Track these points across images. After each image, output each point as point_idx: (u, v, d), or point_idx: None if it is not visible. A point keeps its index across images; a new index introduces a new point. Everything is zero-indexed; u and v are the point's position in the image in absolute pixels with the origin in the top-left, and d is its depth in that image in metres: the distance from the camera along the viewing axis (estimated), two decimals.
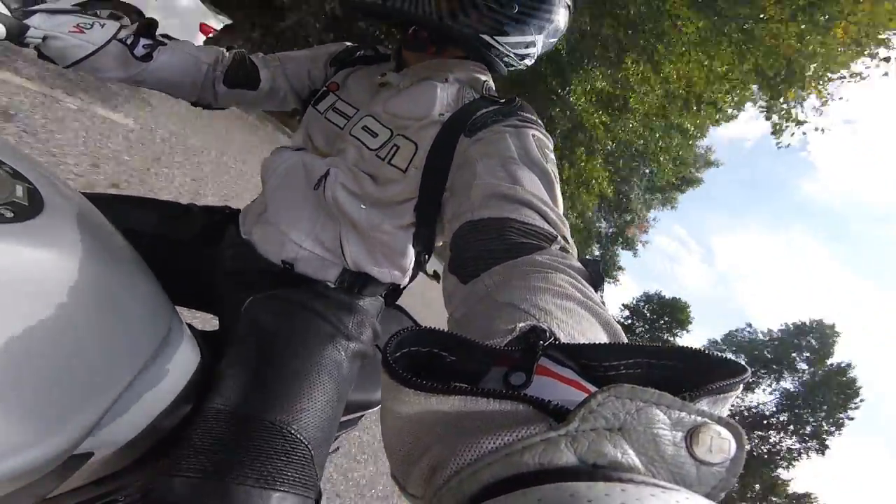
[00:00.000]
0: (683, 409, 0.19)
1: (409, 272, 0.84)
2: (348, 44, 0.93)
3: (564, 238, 0.47)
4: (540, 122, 0.67)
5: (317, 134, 0.81)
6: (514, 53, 0.76)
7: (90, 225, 0.49)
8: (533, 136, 0.62)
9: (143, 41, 0.79)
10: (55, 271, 0.40)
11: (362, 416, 1.00)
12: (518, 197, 0.50)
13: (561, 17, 0.76)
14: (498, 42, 0.73)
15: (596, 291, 0.39)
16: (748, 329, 22.19)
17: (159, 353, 0.49)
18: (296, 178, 0.76)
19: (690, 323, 23.53)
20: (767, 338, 21.63)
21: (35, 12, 0.69)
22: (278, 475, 0.55)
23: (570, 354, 0.25)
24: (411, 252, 0.78)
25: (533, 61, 0.81)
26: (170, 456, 0.56)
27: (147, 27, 0.81)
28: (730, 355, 0.34)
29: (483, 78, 0.78)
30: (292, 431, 0.58)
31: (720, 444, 0.19)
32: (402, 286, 0.89)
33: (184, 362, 0.55)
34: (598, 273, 0.42)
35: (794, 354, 20.25)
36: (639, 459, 0.19)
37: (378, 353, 0.94)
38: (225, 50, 0.91)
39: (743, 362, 0.23)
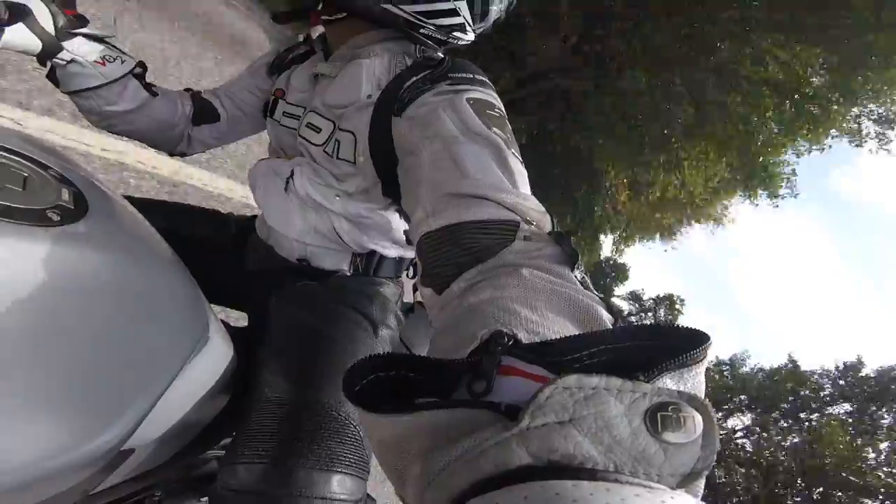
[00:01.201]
0: (636, 390, 0.19)
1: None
2: (276, 50, 0.91)
3: (528, 220, 0.44)
4: (477, 75, 0.61)
5: (280, 143, 0.83)
6: (434, 25, 0.68)
7: (132, 228, 0.51)
8: (468, 99, 0.56)
9: (143, 81, 0.82)
10: (98, 273, 0.42)
11: None
12: (470, 191, 0.47)
13: None
14: (405, 11, 0.66)
15: (573, 268, 0.38)
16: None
17: (198, 351, 0.50)
18: (272, 185, 0.78)
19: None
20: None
21: (76, 35, 0.70)
22: (335, 456, 0.58)
23: (533, 352, 0.25)
24: (402, 224, 0.78)
25: (475, 34, 0.74)
26: (229, 447, 0.59)
27: (144, 69, 0.82)
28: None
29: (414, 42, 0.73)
30: (342, 414, 0.61)
31: (684, 421, 0.18)
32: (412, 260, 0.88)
33: (219, 358, 0.57)
34: (572, 248, 0.40)
35: None
36: (595, 449, 0.18)
37: (404, 348, 0.95)
38: (185, 91, 0.92)
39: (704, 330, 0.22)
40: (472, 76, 0.61)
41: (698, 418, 0.18)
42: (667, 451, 0.18)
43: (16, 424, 0.32)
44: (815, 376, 16.13)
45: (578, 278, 0.37)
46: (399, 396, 0.24)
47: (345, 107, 0.69)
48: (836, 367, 16.05)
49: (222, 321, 0.66)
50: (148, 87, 0.82)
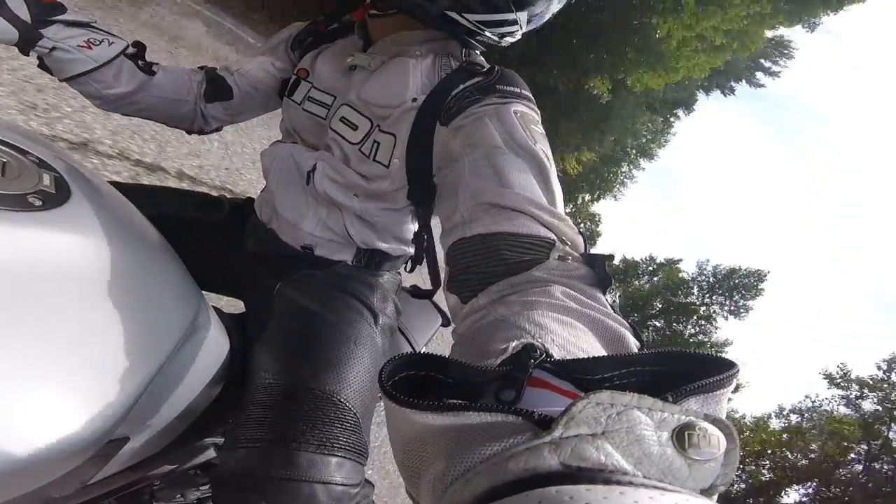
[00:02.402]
0: (665, 410, 0.20)
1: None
2: (299, 24, 0.88)
3: (563, 240, 0.44)
4: (524, 90, 0.61)
5: (301, 126, 0.79)
6: (491, 33, 0.68)
7: (117, 212, 0.49)
8: (515, 112, 0.56)
9: (139, 62, 0.79)
10: (84, 258, 0.40)
11: None
12: (509, 203, 0.47)
13: None
14: (467, 19, 0.64)
15: (605, 292, 0.39)
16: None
17: (188, 338, 0.49)
18: (290, 173, 0.76)
19: None
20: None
21: (54, 22, 0.68)
22: (335, 441, 0.58)
23: (563, 369, 0.26)
24: (414, 225, 0.78)
25: (518, 38, 0.73)
26: (229, 430, 0.59)
27: (142, 48, 0.80)
28: None
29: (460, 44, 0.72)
30: (342, 399, 0.61)
31: (709, 440, 0.19)
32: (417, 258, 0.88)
33: (213, 346, 0.56)
34: (605, 272, 0.41)
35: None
36: (625, 461, 0.19)
37: (401, 336, 0.96)
38: (199, 69, 0.89)
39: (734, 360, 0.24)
40: (519, 90, 0.61)
41: (722, 439, 0.19)
42: (691, 467, 0.19)
43: None
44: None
45: (609, 302, 0.38)
46: (423, 395, 0.24)
47: (387, 107, 0.67)
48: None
49: (216, 308, 0.66)
50: (148, 66, 0.79)
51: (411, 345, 0.97)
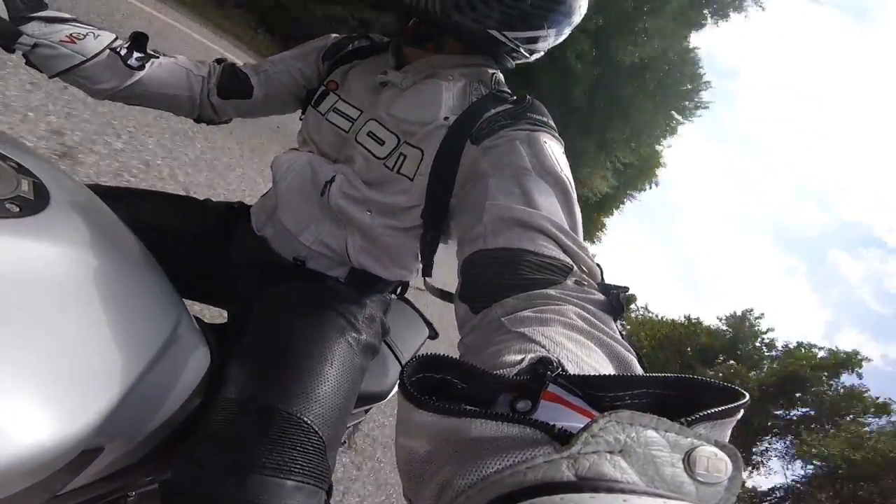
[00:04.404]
0: (680, 433, 0.20)
1: (416, 271, 0.83)
2: (335, 35, 0.88)
3: (581, 268, 0.46)
4: (551, 121, 0.63)
5: (320, 137, 0.79)
6: (524, 49, 0.71)
7: (96, 219, 0.49)
8: (545, 141, 0.59)
9: (136, 53, 0.78)
10: (61, 266, 0.40)
11: (369, 409, 1.00)
12: (534, 223, 0.48)
13: (580, 6, 0.70)
14: (507, 37, 0.68)
15: (616, 320, 0.40)
16: None
17: (168, 348, 0.48)
18: (303, 181, 0.75)
19: None
20: None
21: (33, 19, 0.68)
22: (293, 465, 0.55)
23: (577, 384, 0.26)
24: (417, 252, 0.77)
25: (543, 53, 0.76)
26: (186, 446, 0.57)
27: (139, 40, 0.79)
28: None
29: (491, 71, 0.74)
30: (307, 422, 0.59)
31: (717, 465, 0.20)
32: (409, 282, 0.88)
33: (193, 357, 0.55)
34: (619, 302, 0.42)
35: None
36: (639, 479, 0.19)
37: (385, 347, 0.95)
38: (215, 62, 0.89)
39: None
40: (547, 120, 0.63)
41: (729, 464, 0.20)
42: (699, 489, 0.20)
43: None
44: None
45: (619, 330, 0.39)
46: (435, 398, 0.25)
47: (418, 124, 0.68)
48: None
49: (197, 318, 0.65)
50: (143, 57, 0.78)
51: (397, 358, 0.96)
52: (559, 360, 0.29)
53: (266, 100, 0.88)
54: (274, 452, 0.55)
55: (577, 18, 0.72)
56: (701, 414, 0.23)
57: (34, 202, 0.43)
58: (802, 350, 16.49)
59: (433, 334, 1.09)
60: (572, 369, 0.29)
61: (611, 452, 0.19)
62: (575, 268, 0.45)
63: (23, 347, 0.34)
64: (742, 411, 0.24)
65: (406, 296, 0.96)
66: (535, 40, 0.70)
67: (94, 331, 0.40)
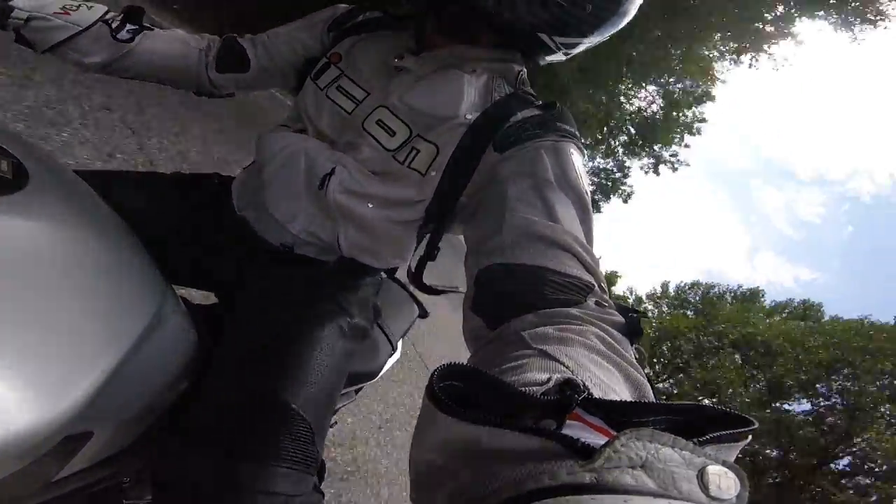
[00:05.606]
0: (694, 452, 0.21)
1: (410, 256, 0.80)
2: (344, 6, 0.82)
3: (601, 286, 0.46)
4: (577, 131, 0.61)
5: (318, 116, 0.73)
6: (564, 51, 0.68)
7: (77, 198, 0.48)
8: (571, 153, 0.57)
9: (128, 26, 0.75)
10: (40, 245, 0.39)
11: (360, 388, 1.00)
12: (557, 239, 0.47)
13: (631, 14, 0.66)
14: (555, 41, 0.65)
15: (632, 343, 0.40)
16: None
17: (153, 328, 0.47)
18: (296, 169, 0.70)
19: None
20: None
21: None
22: (282, 451, 0.55)
23: (601, 408, 0.27)
24: (414, 241, 0.75)
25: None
26: (175, 432, 0.56)
27: (133, 13, 0.76)
28: None
29: (517, 68, 0.69)
30: (296, 407, 0.58)
31: (727, 483, 0.21)
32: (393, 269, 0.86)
33: (180, 338, 0.54)
34: (636, 325, 0.42)
35: None
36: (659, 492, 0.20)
37: (377, 328, 0.94)
38: (217, 37, 0.86)
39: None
40: (574, 130, 0.61)
41: (737, 483, 0.21)
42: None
43: None
44: None
45: (634, 355, 0.39)
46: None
47: (435, 118, 0.64)
48: None
49: (185, 299, 0.64)
50: (136, 30, 0.75)
51: (388, 339, 0.95)
52: (584, 384, 0.29)
53: (264, 73, 0.84)
54: (261, 439, 0.55)
55: (623, 25, 0.68)
56: (711, 436, 0.24)
57: (12, 181, 0.42)
58: None
59: (423, 313, 1.08)
60: (597, 393, 0.30)
61: (632, 467, 0.20)
62: (596, 287, 0.45)
63: None
64: (749, 437, 0.25)
65: (396, 276, 0.95)
66: (577, 45, 0.67)
67: (75, 311, 0.39)
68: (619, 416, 0.26)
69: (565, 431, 0.25)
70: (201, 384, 0.59)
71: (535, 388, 0.29)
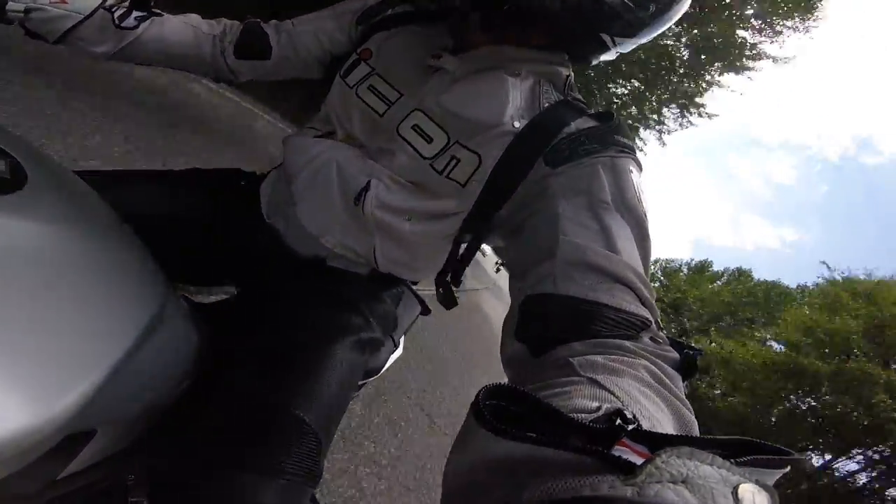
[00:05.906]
0: (730, 470, 0.22)
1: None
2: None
3: (657, 322, 0.44)
4: (634, 144, 0.57)
5: (348, 116, 0.69)
6: (616, 49, 0.65)
7: (76, 198, 0.48)
8: (630, 170, 0.53)
9: (135, 13, 0.74)
10: (38, 244, 0.39)
11: (363, 384, 1.00)
12: (615, 272, 0.44)
13: (679, 15, 0.64)
14: (614, 42, 0.62)
15: (685, 380, 0.40)
16: None
17: (155, 328, 0.47)
18: (328, 182, 0.66)
19: None
20: None
21: None
22: (286, 463, 0.53)
23: (648, 440, 0.27)
24: (448, 252, 0.71)
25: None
26: (181, 433, 0.55)
27: (141, 0, 0.75)
28: None
29: (565, 73, 0.65)
30: (306, 421, 0.56)
31: (761, 499, 0.22)
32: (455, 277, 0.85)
33: (182, 338, 0.54)
34: (693, 363, 0.41)
35: None
36: None
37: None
38: (238, 22, 0.82)
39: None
40: (633, 145, 0.57)
41: (768, 501, 0.22)
42: None
43: None
44: None
45: (685, 391, 0.39)
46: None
47: (476, 123, 0.60)
48: None
49: (187, 298, 0.64)
50: (143, 17, 0.74)
51: (391, 336, 0.95)
52: (634, 415, 0.29)
53: (285, 62, 0.80)
54: (267, 450, 0.53)
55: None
56: (748, 458, 0.24)
57: (10, 181, 0.42)
58: None
59: (425, 310, 1.08)
60: (646, 425, 0.30)
61: (674, 482, 0.20)
62: (652, 324, 0.43)
63: None
64: (788, 467, 0.25)
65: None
66: (632, 43, 0.64)
67: (75, 309, 0.39)
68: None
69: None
70: (211, 385, 0.58)
71: (583, 416, 0.29)
